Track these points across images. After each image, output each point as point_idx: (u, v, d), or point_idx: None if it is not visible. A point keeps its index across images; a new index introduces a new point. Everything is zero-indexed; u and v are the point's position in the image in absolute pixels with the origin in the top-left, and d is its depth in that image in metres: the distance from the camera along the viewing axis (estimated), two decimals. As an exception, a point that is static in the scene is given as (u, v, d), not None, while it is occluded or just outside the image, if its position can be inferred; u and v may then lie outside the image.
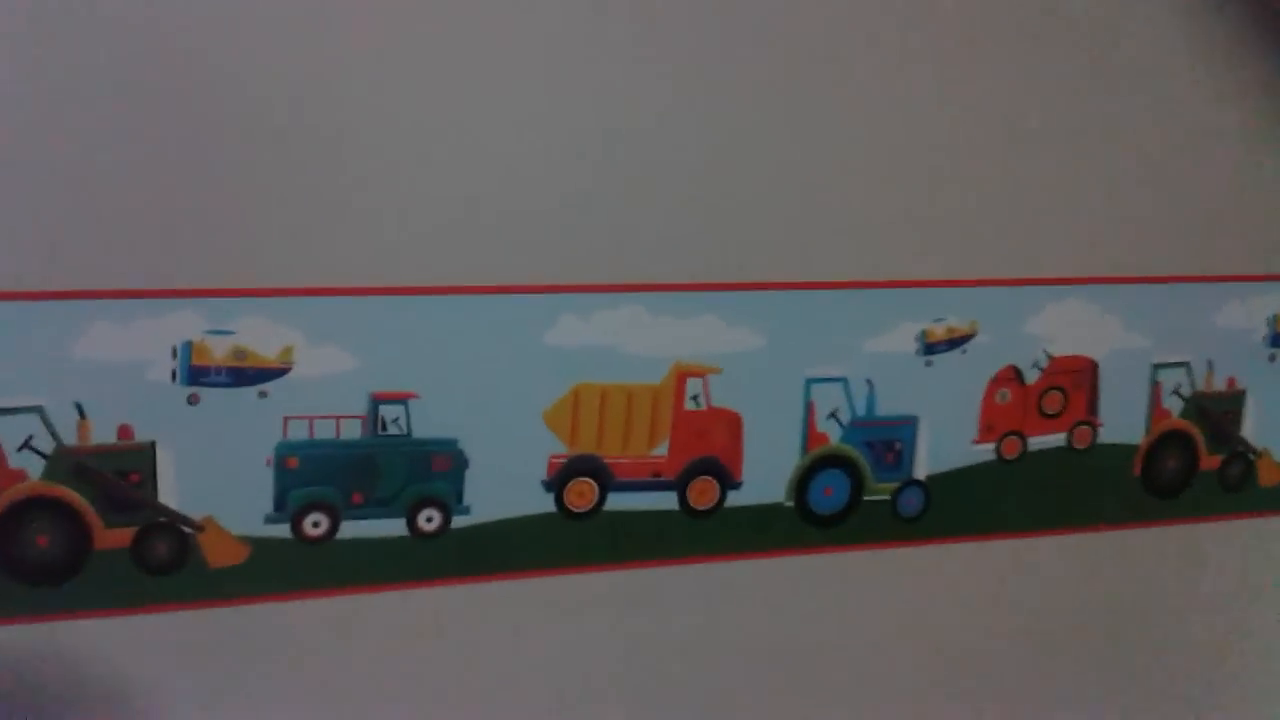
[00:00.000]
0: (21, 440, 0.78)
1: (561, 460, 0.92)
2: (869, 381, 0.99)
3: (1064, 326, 1.04)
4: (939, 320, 1.00)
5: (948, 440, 1.03)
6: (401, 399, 0.86)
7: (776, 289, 0.95)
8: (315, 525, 0.86)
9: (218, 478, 0.83)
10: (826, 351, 0.97)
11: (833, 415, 0.99)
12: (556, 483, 0.92)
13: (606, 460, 0.93)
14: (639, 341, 0.92)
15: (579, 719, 0.97)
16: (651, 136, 0.88)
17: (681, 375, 0.94)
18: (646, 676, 0.98)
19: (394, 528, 0.89)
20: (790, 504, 0.99)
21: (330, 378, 0.84)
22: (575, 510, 0.93)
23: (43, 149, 0.75)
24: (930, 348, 1.00)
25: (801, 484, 0.99)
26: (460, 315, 0.86)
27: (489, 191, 0.85)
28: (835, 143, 0.93)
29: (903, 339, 0.99)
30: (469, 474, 0.90)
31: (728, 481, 0.97)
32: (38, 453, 0.79)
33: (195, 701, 0.86)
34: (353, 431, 0.86)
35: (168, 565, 0.83)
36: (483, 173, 0.85)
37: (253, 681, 0.88)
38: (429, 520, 0.89)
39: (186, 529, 0.83)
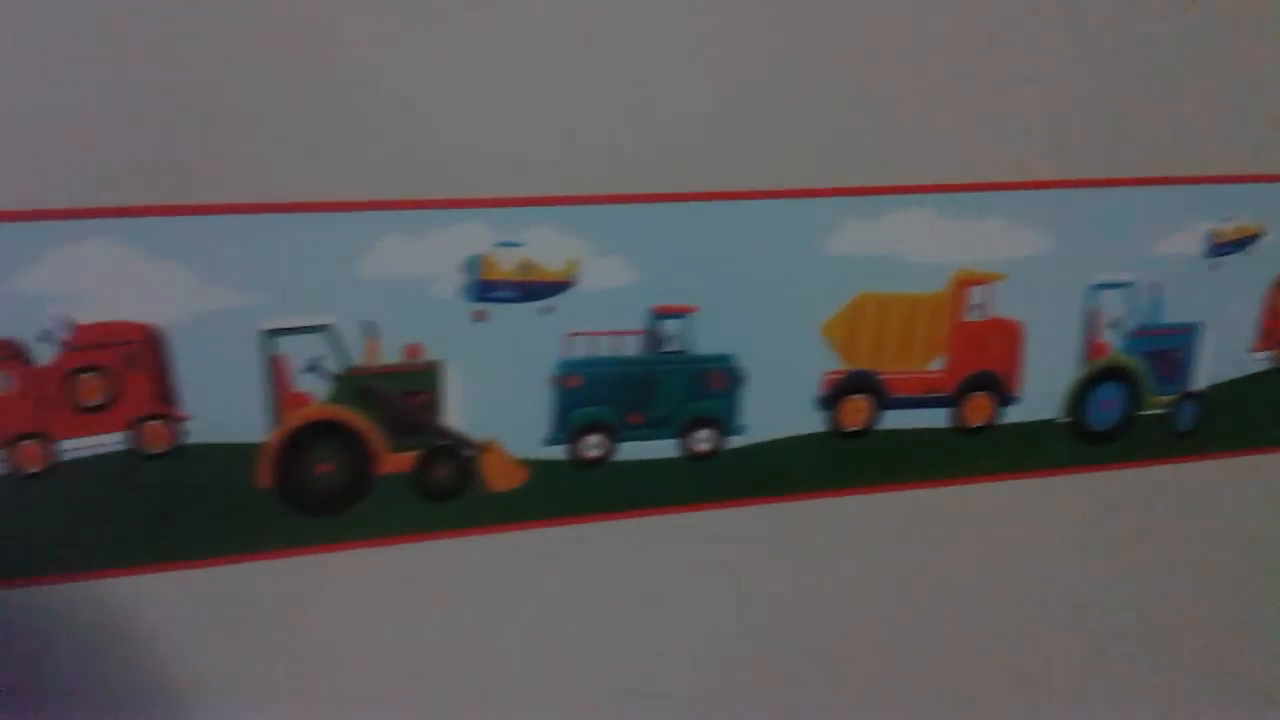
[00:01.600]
0: (308, 361, 0.77)
1: (838, 376, 0.90)
2: (1154, 286, 0.95)
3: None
4: (1228, 219, 0.96)
5: (1226, 348, 1.00)
6: (682, 313, 0.84)
7: (1064, 187, 0.91)
8: (593, 447, 0.85)
9: (500, 398, 0.82)
10: (1115, 254, 0.94)
11: (1115, 323, 0.95)
12: (831, 400, 0.90)
13: (882, 376, 0.91)
14: (923, 247, 0.89)
15: (857, 644, 0.97)
16: (935, 28, 0.84)
17: (964, 283, 0.91)
18: (929, 599, 0.98)
19: (667, 449, 0.88)
20: (1065, 420, 0.97)
21: (612, 291, 0.82)
22: (848, 430, 0.91)
23: (321, 58, 0.72)
24: (1218, 249, 0.96)
25: (1079, 398, 0.96)
26: (743, 222, 0.84)
27: (770, 92, 0.82)
28: (1128, 31, 0.88)
29: (1191, 240, 0.96)
30: (745, 392, 0.88)
31: (1005, 396, 0.95)
32: (325, 374, 0.77)
33: (476, 630, 0.86)
34: (633, 348, 0.84)
35: (449, 490, 0.83)
36: (760, 72, 0.81)
37: (535, 607, 0.87)
38: (704, 441, 0.88)
39: (469, 452, 0.82)
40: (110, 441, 0.74)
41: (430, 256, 0.78)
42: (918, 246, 0.89)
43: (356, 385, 0.78)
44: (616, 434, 0.86)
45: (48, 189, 0.69)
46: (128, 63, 0.68)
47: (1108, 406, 0.98)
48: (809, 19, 0.81)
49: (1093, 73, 0.88)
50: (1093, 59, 0.88)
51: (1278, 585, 1.08)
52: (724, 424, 0.88)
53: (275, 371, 0.76)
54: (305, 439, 0.78)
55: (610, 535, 0.88)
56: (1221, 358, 1.00)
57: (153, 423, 0.74)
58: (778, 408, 0.90)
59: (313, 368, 0.77)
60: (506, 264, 0.79)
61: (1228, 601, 1.07)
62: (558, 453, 0.85)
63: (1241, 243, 0.98)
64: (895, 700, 1.01)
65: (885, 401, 0.92)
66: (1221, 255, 0.97)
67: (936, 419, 0.94)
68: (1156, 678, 1.08)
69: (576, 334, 0.83)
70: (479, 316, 0.80)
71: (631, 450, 0.87)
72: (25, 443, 0.73)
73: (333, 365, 0.77)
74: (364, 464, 0.80)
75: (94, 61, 0.67)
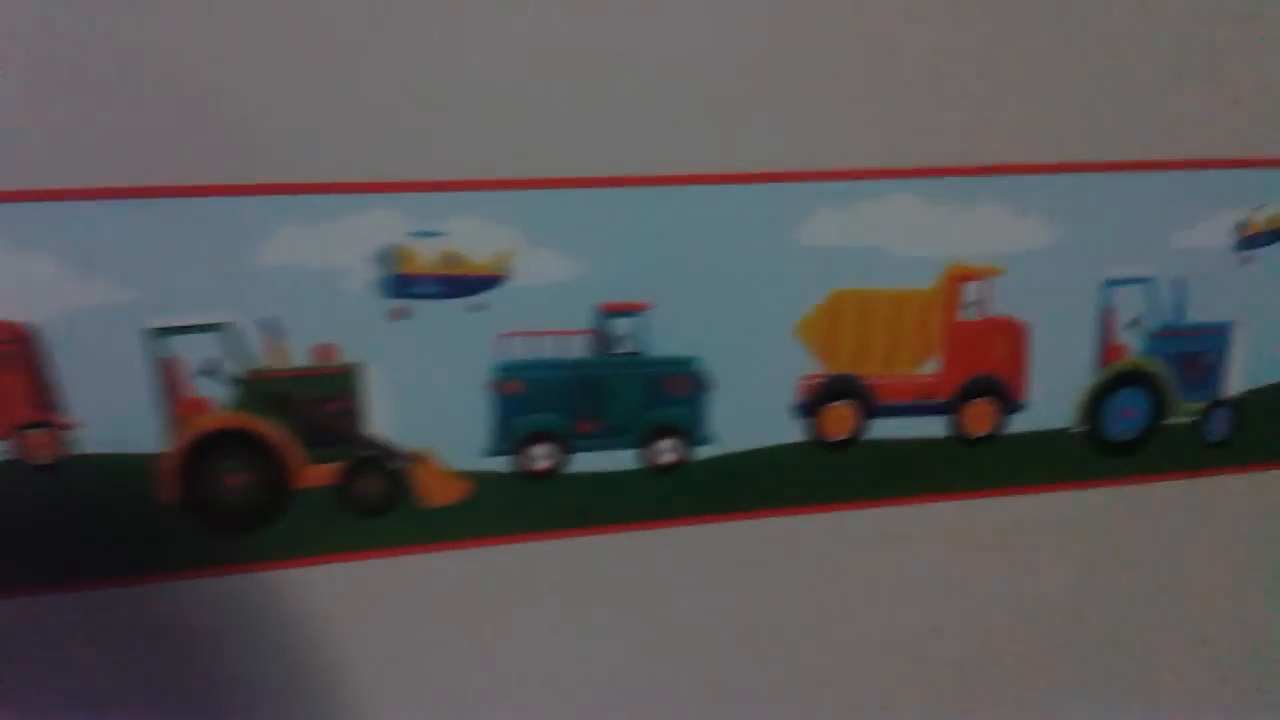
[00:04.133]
0: (204, 364, 0.65)
1: (817, 381, 0.75)
2: (1177, 282, 0.79)
3: None
4: (1260, 207, 0.79)
5: (1265, 352, 0.83)
6: (633, 311, 0.71)
7: (1071, 171, 0.75)
8: (542, 458, 0.72)
9: (433, 404, 0.69)
10: (1129, 247, 0.78)
11: (1134, 323, 0.79)
12: (810, 407, 0.76)
13: (867, 381, 0.76)
14: (908, 239, 0.74)
15: (845, 675, 0.82)
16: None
17: (956, 278, 0.76)
18: (925, 622, 0.82)
19: (629, 460, 0.74)
20: (1081, 429, 0.81)
21: (552, 286, 0.69)
22: (833, 439, 0.77)
23: (217, 32, 0.60)
24: (1248, 241, 0.80)
25: (1094, 405, 0.80)
26: (701, 210, 0.70)
27: (732, 64, 0.68)
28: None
29: (1216, 231, 0.79)
30: (712, 398, 0.74)
31: (1009, 403, 0.79)
32: (225, 378, 0.65)
33: (409, 657, 0.73)
34: (580, 350, 0.71)
35: (379, 505, 0.70)
36: (722, 41, 0.67)
37: (478, 631, 0.74)
38: (667, 451, 0.74)
39: (399, 463, 0.69)
40: (-8, 451, 0.65)
41: (335, 247, 0.65)
42: (902, 237, 0.74)
43: (261, 390, 0.66)
44: (567, 443, 0.72)
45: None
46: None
47: (1129, 415, 0.82)
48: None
49: (1100, 44, 0.73)
50: (1101, 27, 0.73)
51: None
52: (689, 433, 0.74)
53: (166, 375, 0.64)
54: (210, 449, 0.66)
55: (564, 553, 0.74)
56: (1258, 362, 0.83)
57: (34, 430, 0.63)
58: (750, 416, 0.76)
59: (209, 371, 0.65)
60: (427, 256, 0.67)
61: (1255, 619, 0.89)
62: (503, 464, 0.72)
63: (1276, 234, 0.81)
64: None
65: (873, 409, 0.77)
66: (1253, 249, 0.80)
67: (934, 428, 0.79)
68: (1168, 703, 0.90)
69: (512, 334, 0.69)
70: (399, 314, 0.67)
71: (588, 462, 0.73)
72: None
73: (232, 368, 0.65)
74: (279, 477, 0.68)
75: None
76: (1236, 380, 0.84)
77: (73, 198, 0.61)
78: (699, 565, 0.77)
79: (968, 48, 0.71)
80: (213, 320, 0.64)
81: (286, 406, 0.67)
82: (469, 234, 0.67)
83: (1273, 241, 0.81)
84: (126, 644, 0.69)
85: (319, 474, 0.69)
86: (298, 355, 0.67)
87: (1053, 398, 0.80)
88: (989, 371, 0.79)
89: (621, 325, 0.71)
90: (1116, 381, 0.81)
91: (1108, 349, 0.80)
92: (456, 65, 0.64)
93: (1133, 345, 0.81)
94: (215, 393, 0.66)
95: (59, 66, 0.57)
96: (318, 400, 0.67)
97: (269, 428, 0.67)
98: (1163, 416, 0.83)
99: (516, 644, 0.76)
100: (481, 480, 0.72)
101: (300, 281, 0.65)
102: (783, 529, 0.77)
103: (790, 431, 0.76)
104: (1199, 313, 0.81)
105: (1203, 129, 0.77)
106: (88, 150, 0.60)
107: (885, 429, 0.78)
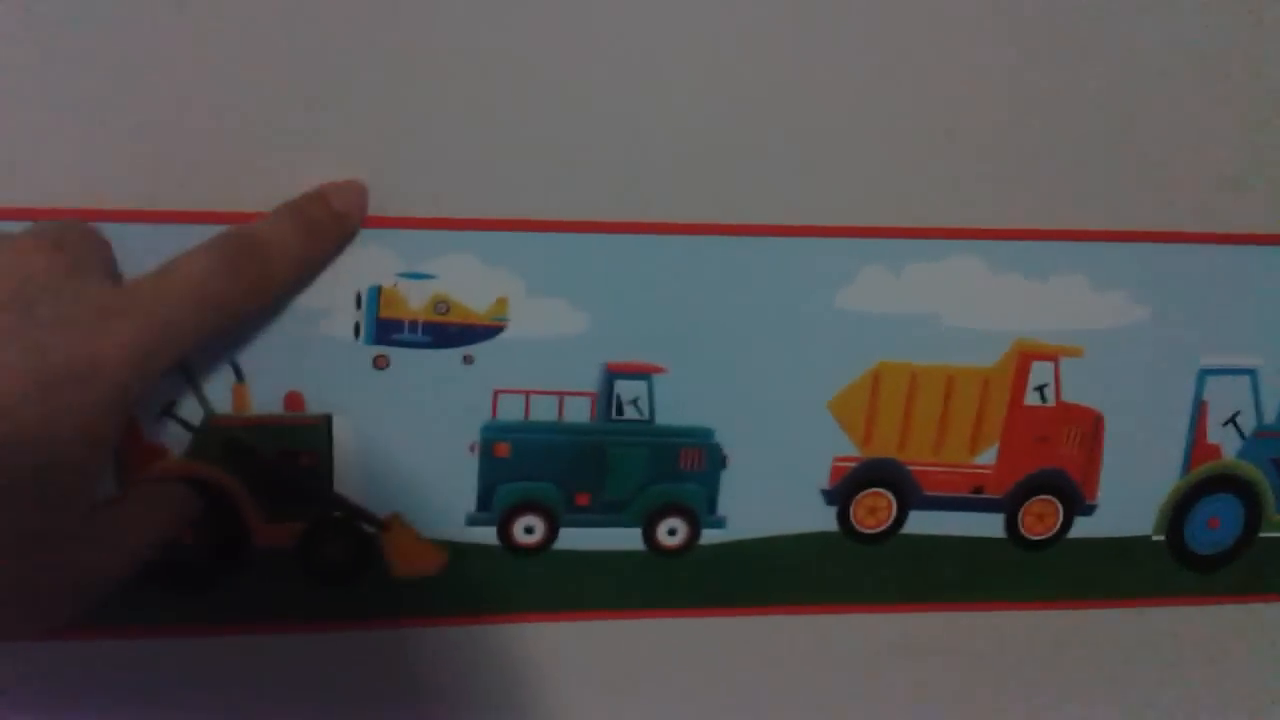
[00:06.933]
0: (161, 406, 0.62)
1: (851, 464, 0.70)
2: (1287, 376, 0.72)
3: None
4: (1401, 294, 0.72)
5: (1388, 464, 0.76)
6: (645, 373, 0.66)
7: (1172, 241, 0.69)
8: (528, 531, 0.68)
9: (409, 464, 0.66)
10: (1234, 332, 0.71)
11: (1231, 420, 0.72)
12: (842, 493, 0.71)
13: (911, 467, 0.71)
14: (969, 308, 0.68)
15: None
16: (999, 29, 0.64)
17: (1026, 357, 0.70)
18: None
19: (626, 539, 0.69)
20: (1160, 538, 0.74)
21: (554, 341, 0.65)
22: (865, 531, 0.71)
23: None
24: None
25: (1178, 512, 0.74)
26: (725, 264, 0.66)
27: (772, 102, 0.63)
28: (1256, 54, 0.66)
29: (1342, 318, 0.72)
30: (726, 476, 0.69)
31: (1076, 504, 0.73)
32: (183, 423, 0.62)
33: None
34: (580, 413, 0.66)
35: (343, 571, 0.67)
36: (760, 77, 0.62)
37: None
38: (672, 533, 0.70)
39: (368, 527, 0.66)
40: None
41: (319, 285, 0.62)
42: (960, 307, 0.68)
43: (221, 438, 0.63)
44: (559, 517, 0.68)
45: None
46: None
47: (1215, 525, 0.75)
48: (826, 12, 0.62)
49: (1206, 102, 0.66)
50: (1205, 85, 0.66)
51: None
52: (697, 513, 0.70)
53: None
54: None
55: (548, 638, 0.70)
56: (1379, 476, 0.76)
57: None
58: (771, 499, 0.71)
59: (166, 414, 0.62)
60: (415, 300, 0.63)
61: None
62: (486, 535, 0.68)
63: None
64: None
65: (915, 499, 0.72)
66: (1387, 343, 0.73)
67: (986, 526, 0.73)
68: None
69: (505, 391, 0.65)
70: (380, 363, 0.64)
71: (583, 539, 0.69)
72: None
73: (193, 413, 0.62)
74: (233, 533, 0.65)
75: None
76: (1351, 494, 0.77)
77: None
78: (697, 660, 0.72)
79: (1045, 94, 0.65)
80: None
81: (246, 457, 0.63)
82: (463, 277, 0.63)
83: None
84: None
85: (279, 533, 0.66)
86: (266, 402, 0.63)
87: (1129, 500, 0.74)
88: (1056, 465, 0.72)
89: (628, 389, 0.67)
90: (1205, 486, 0.74)
91: (1198, 448, 0.73)
92: (454, 94, 0.60)
93: (1228, 445, 0.74)
94: (175, 438, 0.63)
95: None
96: (281, 452, 0.64)
97: (227, 479, 0.64)
98: (1255, 529, 0.76)
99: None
100: (461, 552, 0.68)
101: (277, 323, 0.62)
102: (798, 627, 0.72)
103: (817, 519, 0.71)
104: (1310, 413, 0.74)
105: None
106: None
107: (928, 523, 0.73)
